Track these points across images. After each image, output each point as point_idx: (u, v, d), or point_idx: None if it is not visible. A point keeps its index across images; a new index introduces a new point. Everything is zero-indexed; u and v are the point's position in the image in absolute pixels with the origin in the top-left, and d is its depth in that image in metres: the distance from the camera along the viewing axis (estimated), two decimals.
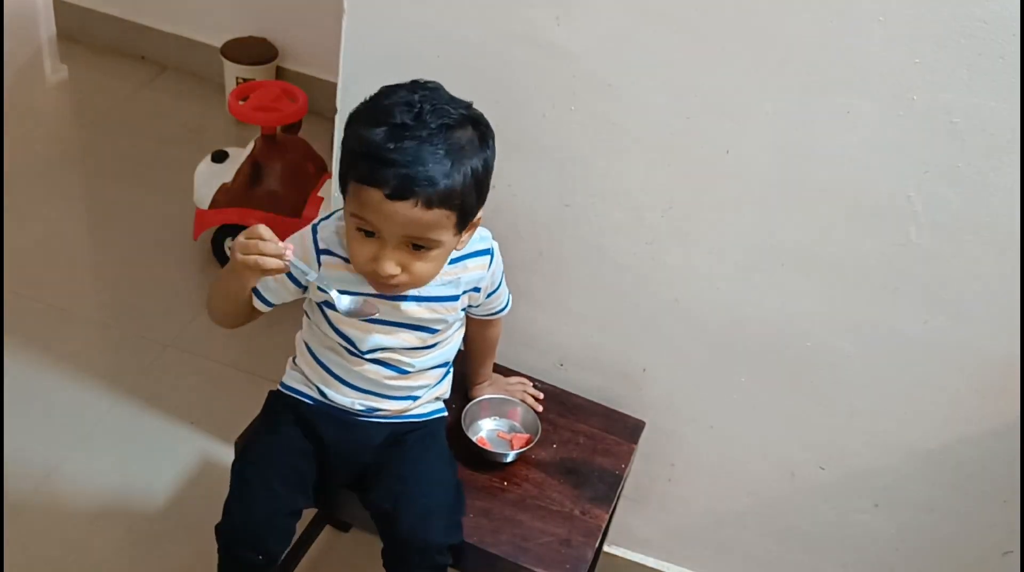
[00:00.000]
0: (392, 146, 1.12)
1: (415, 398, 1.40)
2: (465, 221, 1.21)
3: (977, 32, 1.14)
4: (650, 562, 1.79)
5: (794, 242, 1.36)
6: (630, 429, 1.56)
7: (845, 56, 1.20)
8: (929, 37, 1.16)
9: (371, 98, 1.20)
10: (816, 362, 1.45)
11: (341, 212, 1.28)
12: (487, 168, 1.20)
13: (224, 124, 2.88)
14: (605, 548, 1.77)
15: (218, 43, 2.89)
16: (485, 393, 1.53)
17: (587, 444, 1.52)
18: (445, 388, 1.45)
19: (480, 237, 1.33)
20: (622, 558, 1.80)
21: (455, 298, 1.32)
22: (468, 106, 1.21)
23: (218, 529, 1.34)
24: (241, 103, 2.25)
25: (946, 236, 1.28)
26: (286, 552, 1.40)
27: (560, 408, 1.57)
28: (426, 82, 1.20)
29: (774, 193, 1.33)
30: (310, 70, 2.90)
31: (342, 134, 1.21)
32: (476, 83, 1.38)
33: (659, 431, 1.59)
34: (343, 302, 1.25)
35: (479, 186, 1.19)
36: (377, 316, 1.28)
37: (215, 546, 1.35)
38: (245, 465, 1.37)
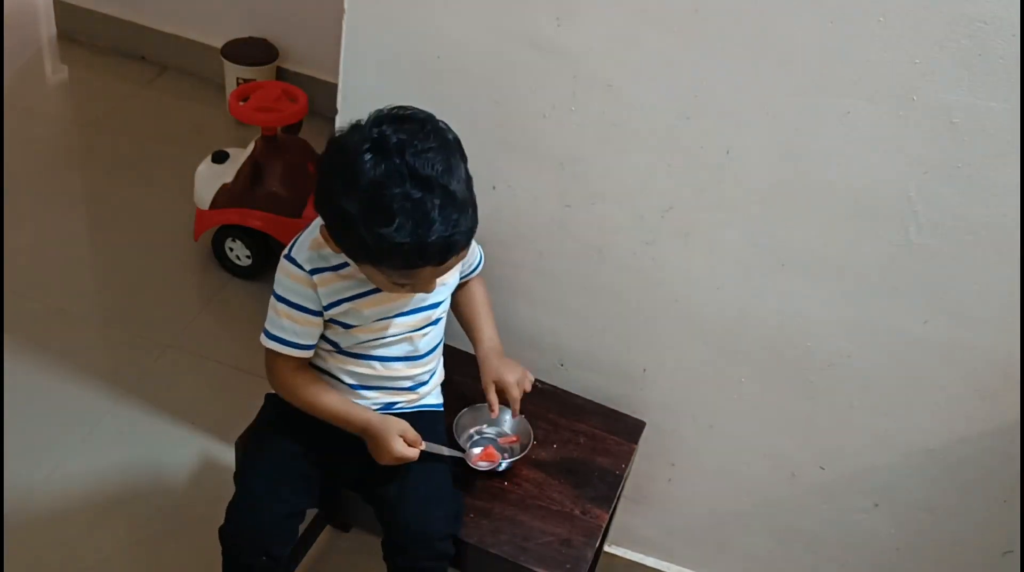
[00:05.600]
0: (423, 233, 1.11)
1: (425, 384, 1.42)
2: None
3: (977, 32, 1.14)
4: (650, 562, 1.79)
5: (794, 242, 1.37)
6: (630, 429, 1.56)
7: (845, 56, 1.21)
8: (929, 37, 1.16)
9: (349, 181, 1.13)
10: (816, 362, 1.45)
11: (307, 231, 1.30)
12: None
13: (224, 125, 2.88)
14: (605, 548, 1.77)
15: (218, 44, 2.89)
16: (493, 361, 1.43)
17: (587, 444, 1.52)
18: (442, 372, 1.48)
19: None
20: (622, 558, 1.80)
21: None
22: (419, 117, 1.17)
23: (222, 533, 1.34)
24: (242, 104, 2.25)
25: (946, 236, 1.29)
26: (294, 553, 1.40)
27: (560, 408, 1.57)
28: (373, 124, 1.15)
29: (774, 193, 1.34)
30: (310, 71, 2.90)
31: (331, 204, 1.16)
32: (476, 84, 1.39)
33: (659, 431, 1.59)
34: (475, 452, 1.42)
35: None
36: (396, 305, 1.32)
37: (216, 545, 1.36)
38: (247, 469, 1.37)
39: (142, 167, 2.68)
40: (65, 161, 2.70)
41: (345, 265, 1.27)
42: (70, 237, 2.44)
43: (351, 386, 1.38)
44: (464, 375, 1.55)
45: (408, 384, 1.40)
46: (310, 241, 1.28)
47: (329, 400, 1.33)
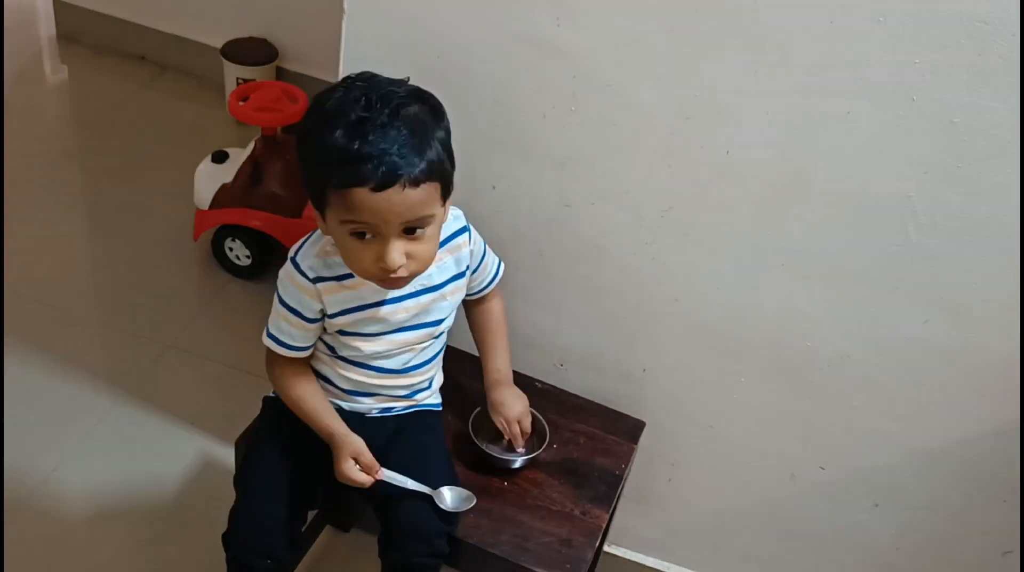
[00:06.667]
0: (359, 141, 1.12)
1: (424, 390, 1.43)
2: (447, 191, 1.22)
3: (977, 32, 1.14)
4: (650, 562, 1.79)
5: (794, 242, 1.37)
6: (630, 429, 1.56)
7: (845, 56, 1.20)
8: (929, 37, 1.16)
9: (313, 109, 1.19)
10: (816, 362, 1.45)
11: (315, 236, 1.30)
12: (449, 134, 1.21)
13: (224, 125, 2.88)
14: (605, 548, 1.77)
15: (218, 44, 2.89)
16: (496, 396, 1.43)
17: (587, 444, 1.52)
18: (441, 376, 1.48)
19: (454, 216, 1.34)
20: (622, 558, 1.80)
21: (460, 276, 1.35)
22: (406, 83, 1.21)
23: (225, 538, 1.34)
24: (241, 104, 2.25)
25: (946, 236, 1.29)
26: (296, 555, 1.40)
27: (560, 408, 1.57)
28: (358, 75, 1.20)
29: (774, 193, 1.34)
30: (310, 71, 2.90)
31: (300, 155, 1.20)
32: (476, 84, 1.39)
33: (659, 431, 1.59)
34: (448, 497, 1.32)
35: (449, 153, 1.21)
36: (398, 319, 1.31)
37: (216, 546, 1.35)
38: (247, 473, 1.37)
39: (142, 167, 2.68)
40: (65, 161, 2.70)
41: (349, 276, 1.27)
42: (70, 237, 2.44)
43: (346, 391, 1.38)
44: (465, 375, 1.55)
45: (405, 392, 1.41)
46: (316, 248, 1.28)
47: (309, 403, 1.35)
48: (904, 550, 1.60)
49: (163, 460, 1.93)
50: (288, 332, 1.31)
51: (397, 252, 1.18)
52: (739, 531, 1.70)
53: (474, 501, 1.33)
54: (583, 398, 1.59)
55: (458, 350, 1.56)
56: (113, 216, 2.51)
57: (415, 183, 1.14)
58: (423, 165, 1.14)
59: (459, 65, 1.38)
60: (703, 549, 1.75)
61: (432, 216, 1.19)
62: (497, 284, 1.46)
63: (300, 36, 2.88)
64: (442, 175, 1.19)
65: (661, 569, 1.78)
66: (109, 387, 2.05)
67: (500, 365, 1.46)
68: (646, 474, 1.66)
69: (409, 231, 1.18)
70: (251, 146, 2.30)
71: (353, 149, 1.12)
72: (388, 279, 1.22)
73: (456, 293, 1.36)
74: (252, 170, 2.26)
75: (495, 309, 1.48)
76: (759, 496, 1.63)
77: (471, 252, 1.37)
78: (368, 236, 1.18)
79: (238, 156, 2.33)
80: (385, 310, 1.30)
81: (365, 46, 1.43)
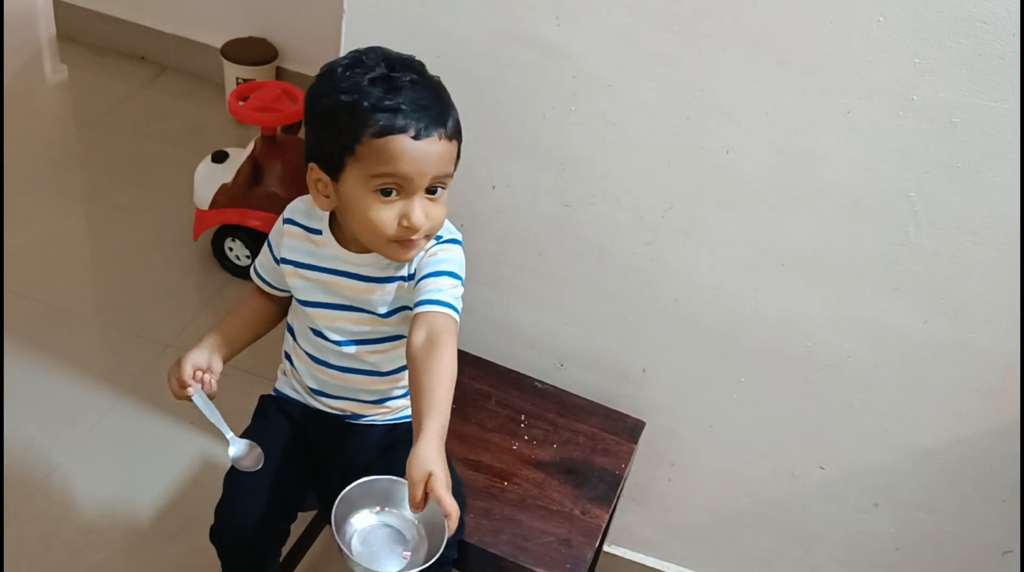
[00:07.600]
0: (392, 94, 1.13)
1: (396, 397, 1.39)
2: (458, 159, 1.23)
3: (977, 32, 1.14)
4: (650, 562, 1.79)
5: (794, 242, 1.37)
6: (630, 429, 1.56)
7: (845, 56, 1.21)
8: (929, 37, 1.16)
9: (324, 75, 1.19)
10: (816, 362, 1.45)
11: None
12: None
13: (224, 124, 2.88)
14: (605, 548, 1.77)
15: (218, 43, 2.89)
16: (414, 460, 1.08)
17: (587, 444, 1.52)
18: None
19: (445, 227, 1.27)
20: (622, 558, 1.80)
21: (407, 278, 1.26)
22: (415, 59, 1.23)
23: (211, 533, 1.34)
24: (241, 103, 2.25)
25: (946, 236, 1.29)
26: (283, 552, 1.40)
27: (560, 408, 1.57)
28: (366, 49, 1.20)
29: (774, 193, 1.34)
30: (310, 70, 2.85)
31: (316, 114, 1.20)
32: (476, 83, 1.39)
33: (659, 431, 1.60)
34: (234, 448, 1.30)
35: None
36: (337, 302, 1.29)
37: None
38: (236, 470, 1.36)
39: (142, 167, 2.68)
40: (65, 161, 2.70)
41: (318, 232, 1.28)
42: (70, 237, 2.44)
43: (313, 390, 1.38)
44: (462, 374, 1.55)
45: (372, 397, 1.37)
46: (309, 198, 1.30)
47: (232, 311, 1.40)
48: (904, 550, 1.60)
49: (163, 460, 1.93)
50: (262, 261, 1.37)
51: (420, 211, 1.17)
52: (739, 531, 1.70)
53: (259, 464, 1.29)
54: (583, 398, 1.59)
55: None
56: (113, 216, 2.51)
57: (450, 137, 1.17)
58: (452, 121, 1.17)
59: (459, 65, 1.38)
60: (703, 549, 1.75)
61: (451, 176, 1.21)
62: (439, 315, 1.19)
63: (300, 36, 2.88)
64: (462, 139, 1.21)
65: (661, 569, 1.78)
66: (109, 387, 2.05)
67: (425, 424, 1.10)
68: (646, 474, 1.66)
69: (431, 191, 1.18)
70: (251, 146, 2.30)
71: (390, 100, 1.13)
72: (408, 242, 1.19)
73: (399, 293, 1.27)
74: (252, 170, 2.26)
75: (436, 366, 1.15)
76: (759, 496, 1.64)
77: (421, 259, 1.25)
78: (394, 194, 1.16)
79: (238, 156, 2.33)
80: (332, 278, 1.28)
81: (365, 46, 1.42)
